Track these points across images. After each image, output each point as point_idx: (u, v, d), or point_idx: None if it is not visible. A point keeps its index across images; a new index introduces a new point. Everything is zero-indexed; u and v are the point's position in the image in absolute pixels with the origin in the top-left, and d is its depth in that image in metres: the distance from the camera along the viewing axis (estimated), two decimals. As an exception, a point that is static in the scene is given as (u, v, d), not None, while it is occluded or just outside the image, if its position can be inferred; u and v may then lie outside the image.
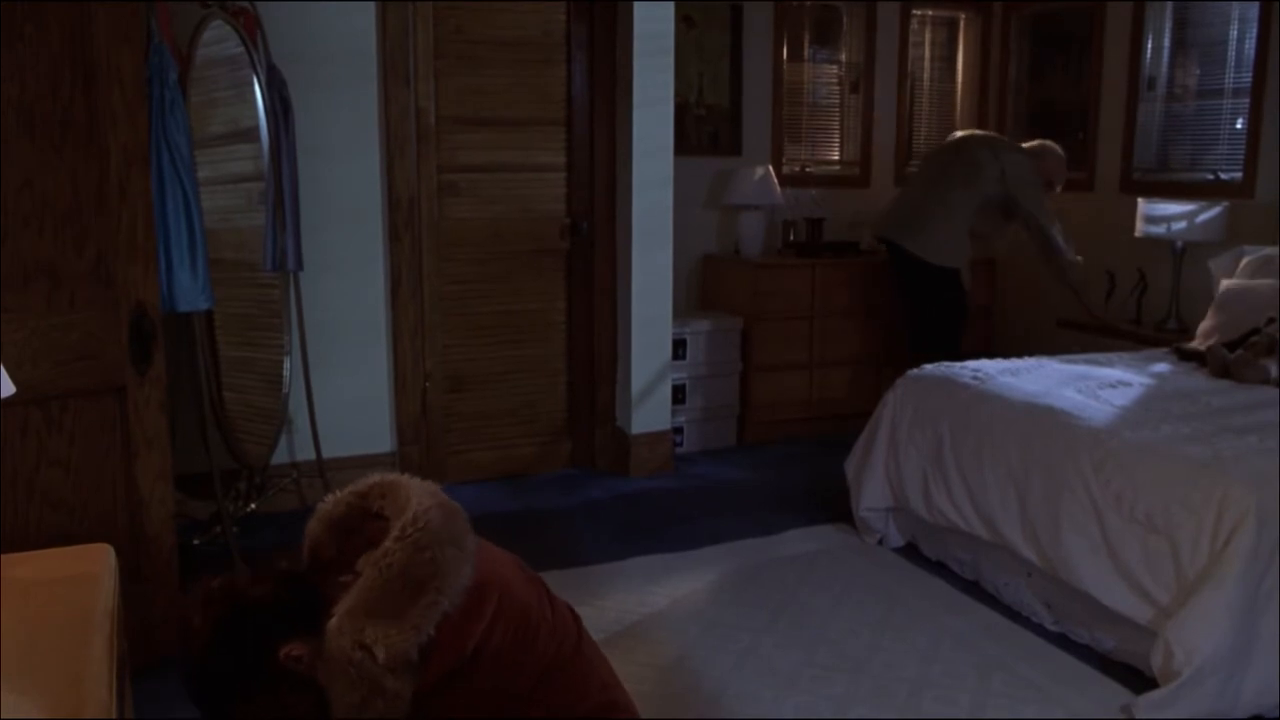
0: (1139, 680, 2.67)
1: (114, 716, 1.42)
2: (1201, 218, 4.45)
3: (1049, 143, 4.83)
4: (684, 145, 4.84)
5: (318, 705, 1.59)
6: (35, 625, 1.60)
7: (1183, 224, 4.51)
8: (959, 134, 5.11)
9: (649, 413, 4.51)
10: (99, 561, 1.88)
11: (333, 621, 1.54)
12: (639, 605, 3.17)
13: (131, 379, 2.62)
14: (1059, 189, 4.83)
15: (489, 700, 1.58)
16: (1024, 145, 4.83)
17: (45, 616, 1.64)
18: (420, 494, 1.64)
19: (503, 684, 1.58)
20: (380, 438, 4.16)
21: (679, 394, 4.78)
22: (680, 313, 4.85)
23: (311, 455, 3.95)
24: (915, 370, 3.73)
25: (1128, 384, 3.42)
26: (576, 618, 1.84)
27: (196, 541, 3.45)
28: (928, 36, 5.76)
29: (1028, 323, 5.58)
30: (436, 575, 1.53)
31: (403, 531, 1.55)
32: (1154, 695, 2.50)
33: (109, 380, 2.59)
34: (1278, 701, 2.50)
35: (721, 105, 5.23)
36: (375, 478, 1.73)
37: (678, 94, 4.59)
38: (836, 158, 5.63)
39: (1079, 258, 4.75)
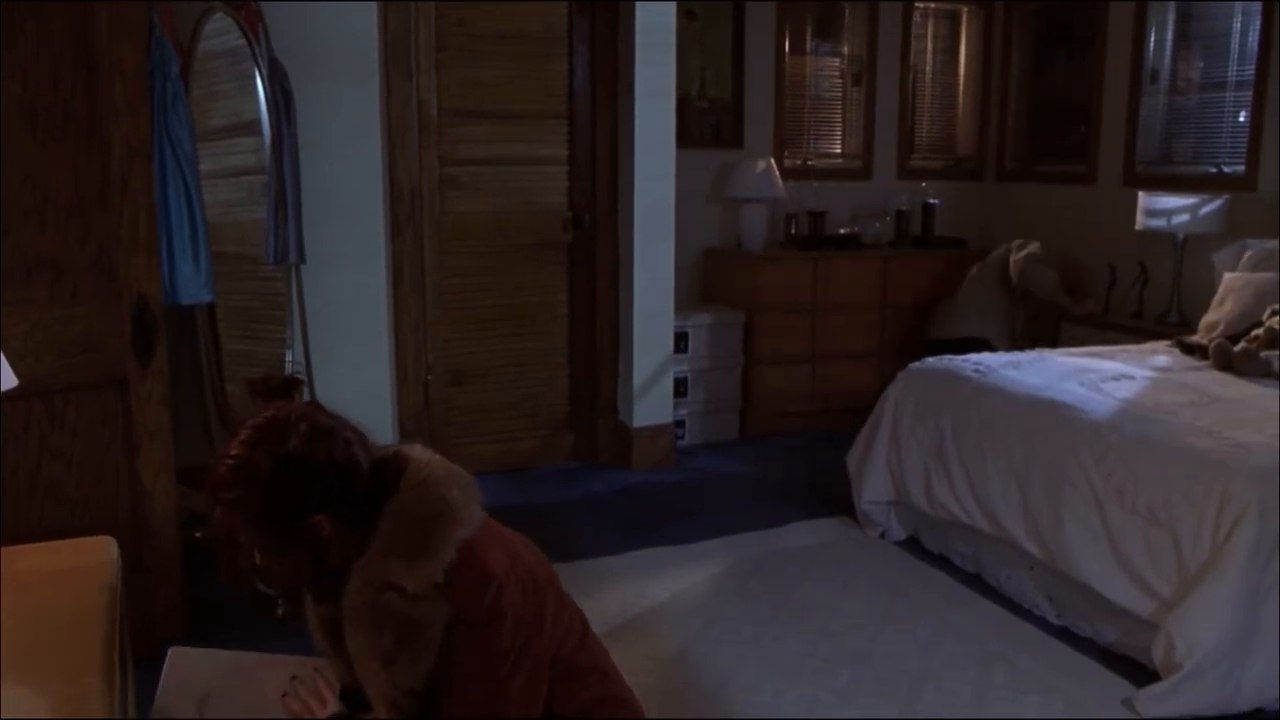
0: (1141, 673, 2.68)
1: (116, 709, 1.42)
2: (1203, 211, 4.44)
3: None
4: (686, 138, 4.83)
5: (297, 580, 1.61)
6: (37, 618, 1.60)
7: (1184, 217, 4.49)
8: None
9: (651, 406, 4.51)
10: (101, 554, 1.88)
11: (352, 582, 1.57)
12: (640, 598, 3.18)
13: (134, 372, 2.62)
14: None
15: (510, 664, 1.58)
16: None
17: (47, 609, 1.65)
18: (419, 451, 1.74)
19: (521, 641, 1.59)
20: (381, 431, 4.15)
21: (681, 387, 4.78)
22: (682, 306, 4.85)
23: (313, 448, 3.93)
24: (917, 363, 3.73)
25: (1130, 377, 3.42)
26: (582, 614, 1.85)
27: (198, 534, 3.45)
28: (930, 30, 5.74)
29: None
30: (450, 508, 1.61)
31: (409, 479, 1.63)
32: (1155, 688, 2.50)
33: (111, 373, 2.59)
34: (1278, 695, 2.51)
35: (723, 98, 5.22)
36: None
37: (679, 87, 4.57)
38: (839, 151, 5.62)
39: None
